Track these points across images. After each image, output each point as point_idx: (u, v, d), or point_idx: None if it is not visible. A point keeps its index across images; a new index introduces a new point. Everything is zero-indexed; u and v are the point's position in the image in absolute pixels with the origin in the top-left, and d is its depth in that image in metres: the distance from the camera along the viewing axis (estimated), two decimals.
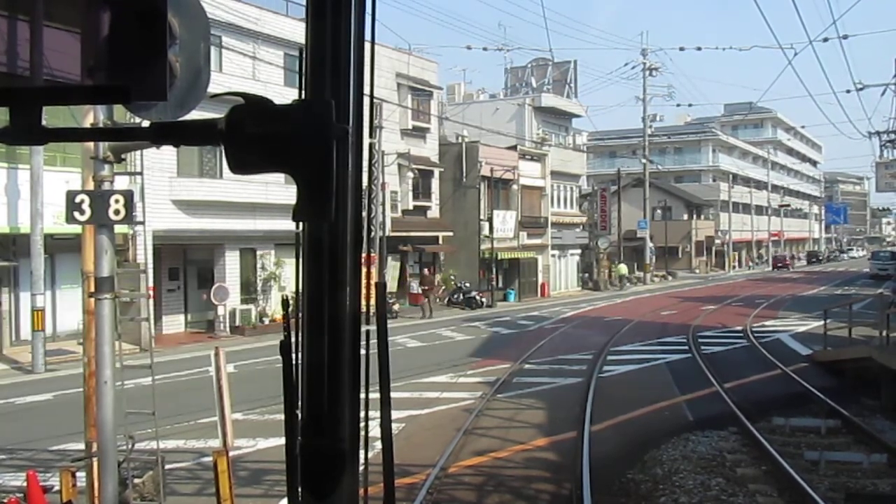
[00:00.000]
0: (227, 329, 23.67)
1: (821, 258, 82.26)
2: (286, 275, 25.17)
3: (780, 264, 68.93)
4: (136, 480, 6.14)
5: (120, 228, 11.15)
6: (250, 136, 0.99)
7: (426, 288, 31.00)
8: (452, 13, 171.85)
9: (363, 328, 1.19)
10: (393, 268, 31.74)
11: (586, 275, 45.51)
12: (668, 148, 73.36)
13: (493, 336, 24.08)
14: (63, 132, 1.12)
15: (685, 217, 62.01)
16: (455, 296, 33.78)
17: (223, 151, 1.00)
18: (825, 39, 36.40)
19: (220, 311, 23.58)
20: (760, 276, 59.74)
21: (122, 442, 5.92)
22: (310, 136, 0.99)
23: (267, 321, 24.80)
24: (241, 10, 24.13)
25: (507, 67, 51.15)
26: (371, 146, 18.67)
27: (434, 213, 34.99)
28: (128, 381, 6.16)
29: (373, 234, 25.11)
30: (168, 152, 21.41)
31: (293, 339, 1.19)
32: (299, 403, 1.14)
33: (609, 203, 46.21)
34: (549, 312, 31.18)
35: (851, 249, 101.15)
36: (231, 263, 24.91)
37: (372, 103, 1.26)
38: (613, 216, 46.62)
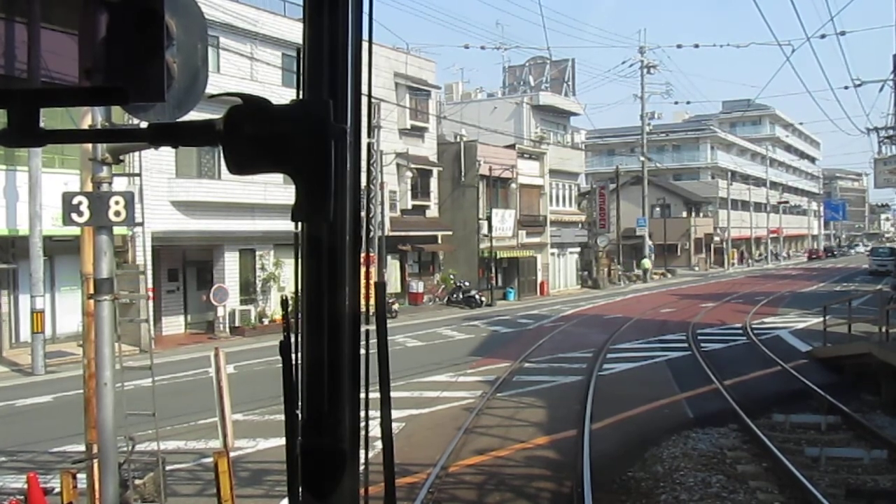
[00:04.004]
0: (227, 330, 23.66)
1: (835, 252, 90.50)
2: (285, 275, 25.13)
3: (813, 255, 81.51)
4: (137, 482, 6.14)
5: (119, 230, 11.15)
6: (249, 136, 0.99)
7: None
8: (450, 12, 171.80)
9: (363, 328, 1.19)
10: (393, 267, 31.70)
11: (585, 273, 45.52)
12: (666, 145, 73.37)
13: (493, 335, 24.07)
14: (61, 134, 1.12)
15: (684, 214, 62.00)
16: (454, 295, 33.79)
17: (222, 152, 1.00)
18: (823, 36, 36.57)
19: (220, 311, 23.57)
20: (759, 272, 59.78)
21: (123, 443, 5.92)
22: (308, 136, 0.99)
23: (266, 322, 24.78)
24: (239, 10, 24.12)
25: (505, 66, 51.26)
26: (369, 146, 18.62)
27: (433, 212, 34.99)
28: (128, 383, 6.16)
29: (372, 233, 25.12)
30: (166, 153, 21.40)
31: (293, 340, 1.19)
32: (299, 403, 1.14)
33: (608, 201, 46.23)
34: (548, 311, 31.18)
35: (857, 245, 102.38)
36: (230, 264, 24.89)
37: (370, 103, 1.26)
38: (612, 214, 46.64)
